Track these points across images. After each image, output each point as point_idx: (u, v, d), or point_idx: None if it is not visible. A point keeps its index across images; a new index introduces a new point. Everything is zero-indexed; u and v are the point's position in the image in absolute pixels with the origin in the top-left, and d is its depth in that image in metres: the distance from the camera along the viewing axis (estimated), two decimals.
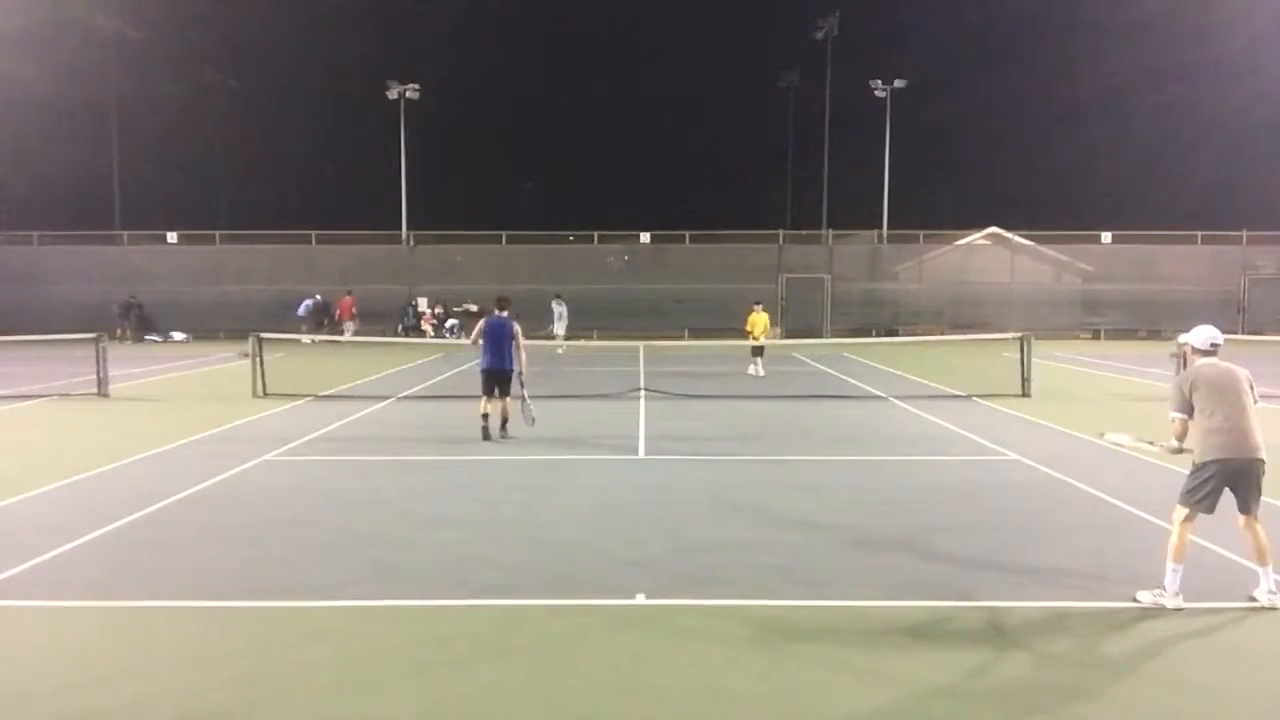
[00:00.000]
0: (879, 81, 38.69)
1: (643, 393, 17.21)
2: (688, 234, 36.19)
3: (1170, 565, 5.99)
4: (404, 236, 36.73)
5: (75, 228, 36.62)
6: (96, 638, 5.67)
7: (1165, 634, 5.63)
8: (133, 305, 33.50)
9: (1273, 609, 5.94)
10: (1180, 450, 6.19)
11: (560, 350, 25.04)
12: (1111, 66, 51.39)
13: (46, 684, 4.99)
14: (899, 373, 20.96)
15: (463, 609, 6.08)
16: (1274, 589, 6.03)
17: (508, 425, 12.47)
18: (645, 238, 36.07)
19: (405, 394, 17.52)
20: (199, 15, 48.56)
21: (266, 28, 50.37)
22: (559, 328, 26.76)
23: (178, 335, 33.75)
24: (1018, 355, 17.25)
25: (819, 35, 45.72)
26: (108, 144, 42.46)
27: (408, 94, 38.10)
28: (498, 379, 12.35)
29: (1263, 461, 5.98)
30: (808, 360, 24.50)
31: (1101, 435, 7.21)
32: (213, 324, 33.89)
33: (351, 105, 48.68)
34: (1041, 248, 36.36)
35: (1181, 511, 6.06)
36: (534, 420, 12.36)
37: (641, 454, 11.56)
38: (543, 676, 5.05)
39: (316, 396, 16.83)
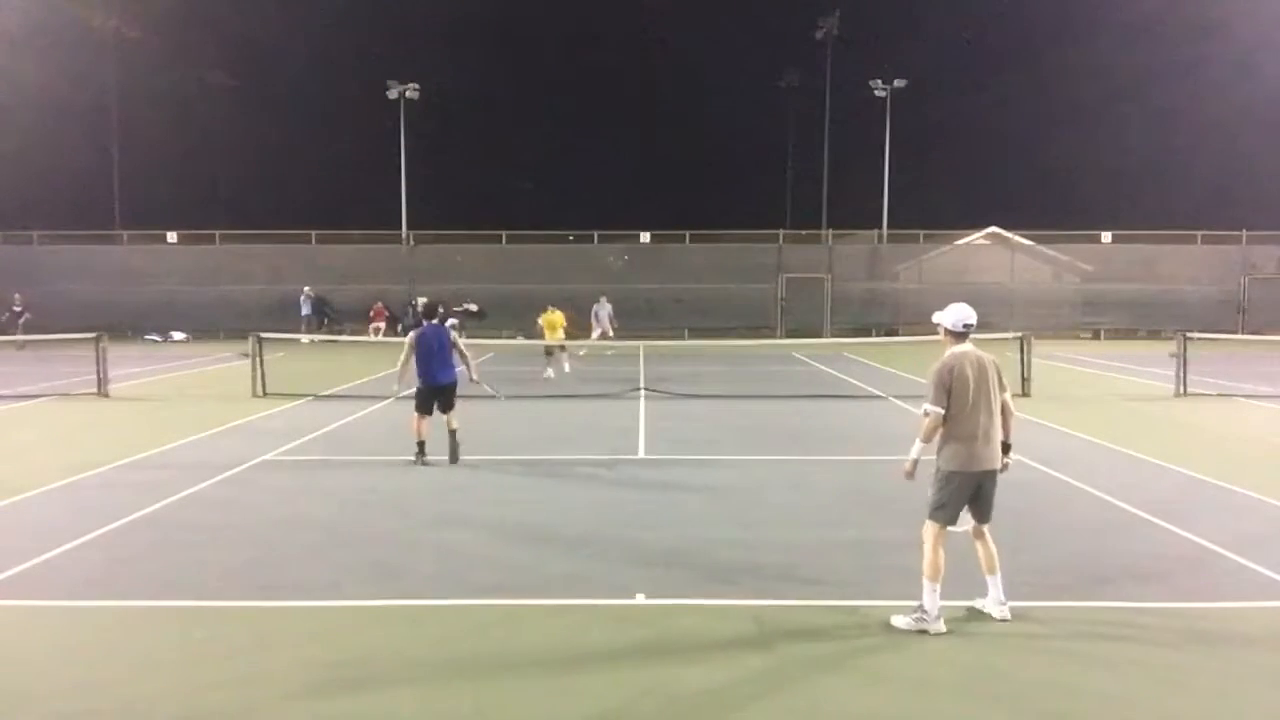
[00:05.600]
0: (879, 81, 38.64)
1: (643, 393, 17.21)
2: (688, 234, 36.15)
3: (928, 585, 5.62)
4: (404, 236, 36.70)
5: (75, 228, 36.58)
6: (96, 638, 5.67)
7: (1165, 633, 5.64)
8: (16, 308, 30.60)
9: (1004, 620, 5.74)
10: (913, 465, 5.79)
11: (609, 352, 24.70)
12: (1111, 66, 51.38)
13: (46, 684, 5.00)
14: (899, 372, 20.96)
15: (463, 609, 6.09)
16: (1004, 599, 5.81)
17: (457, 438, 10.75)
18: (645, 238, 36.03)
19: (405, 394, 17.44)
20: (199, 15, 48.54)
21: (266, 28, 50.32)
22: (597, 332, 26.33)
23: (178, 335, 33.74)
24: (1017, 355, 17.24)
25: (819, 35, 45.71)
26: (108, 144, 42.45)
27: (408, 94, 38.07)
28: (439, 394, 10.78)
29: (995, 472, 5.74)
30: (808, 360, 24.49)
31: None
32: (213, 324, 33.87)
33: (351, 105, 48.63)
34: (1041, 248, 36.32)
35: (933, 528, 5.73)
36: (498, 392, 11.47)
37: (641, 454, 11.55)
38: (543, 676, 5.05)
39: (316, 396, 16.82)
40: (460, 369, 11.23)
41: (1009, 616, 5.76)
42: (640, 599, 6.19)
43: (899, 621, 5.67)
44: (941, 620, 5.61)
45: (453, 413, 10.89)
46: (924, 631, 5.57)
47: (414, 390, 10.96)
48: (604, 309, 26.74)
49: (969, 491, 5.73)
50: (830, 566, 6.96)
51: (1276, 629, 5.78)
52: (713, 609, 6.03)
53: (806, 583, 6.56)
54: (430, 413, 10.81)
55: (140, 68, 43.76)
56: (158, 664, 5.22)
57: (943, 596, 5.82)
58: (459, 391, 11.20)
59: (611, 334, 26.31)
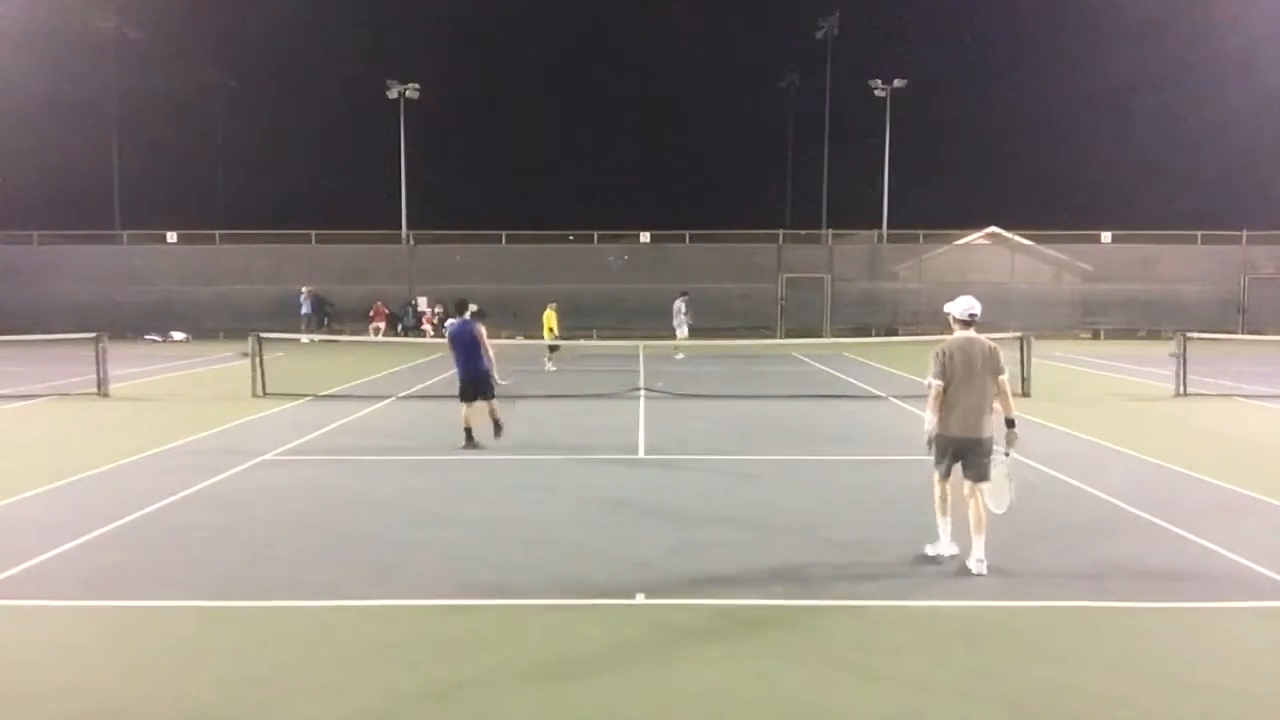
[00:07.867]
0: (879, 81, 38.64)
1: (643, 393, 17.21)
2: (688, 234, 36.16)
3: (937, 516, 6.98)
4: (404, 236, 36.71)
5: (75, 227, 36.59)
6: (96, 638, 5.67)
7: (1165, 633, 5.64)
8: None
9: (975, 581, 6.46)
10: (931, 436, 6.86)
11: (679, 355, 24.57)
12: (1111, 66, 51.40)
13: (46, 684, 5.00)
14: (899, 372, 20.96)
15: (463, 609, 6.09)
16: (982, 557, 6.61)
17: (496, 418, 11.83)
18: (645, 238, 36.03)
19: (405, 394, 17.51)
20: (199, 15, 48.58)
21: (266, 27, 50.40)
22: (681, 331, 26.20)
23: (177, 335, 33.76)
24: (1017, 355, 17.24)
25: (819, 35, 45.71)
26: (108, 144, 42.43)
27: (408, 94, 38.09)
28: (472, 384, 11.78)
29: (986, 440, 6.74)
30: (807, 360, 24.50)
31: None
32: (212, 324, 33.88)
33: (351, 105, 48.68)
34: (1041, 247, 36.32)
35: (932, 476, 7.01)
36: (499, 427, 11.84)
37: (641, 454, 11.56)
38: (542, 676, 5.05)
39: (316, 396, 16.83)
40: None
41: (985, 572, 6.55)
42: (640, 599, 6.18)
43: (929, 549, 7.00)
44: (955, 546, 6.87)
45: (490, 401, 11.84)
46: (939, 556, 6.91)
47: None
48: (681, 303, 26.47)
49: (951, 452, 6.81)
50: (830, 566, 6.96)
51: (1276, 629, 5.78)
52: (713, 609, 6.03)
53: (806, 582, 6.56)
54: (472, 401, 11.80)
55: (140, 68, 43.75)
56: (157, 664, 5.22)
57: (939, 597, 6.01)
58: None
59: (682, 333, 25.96)
